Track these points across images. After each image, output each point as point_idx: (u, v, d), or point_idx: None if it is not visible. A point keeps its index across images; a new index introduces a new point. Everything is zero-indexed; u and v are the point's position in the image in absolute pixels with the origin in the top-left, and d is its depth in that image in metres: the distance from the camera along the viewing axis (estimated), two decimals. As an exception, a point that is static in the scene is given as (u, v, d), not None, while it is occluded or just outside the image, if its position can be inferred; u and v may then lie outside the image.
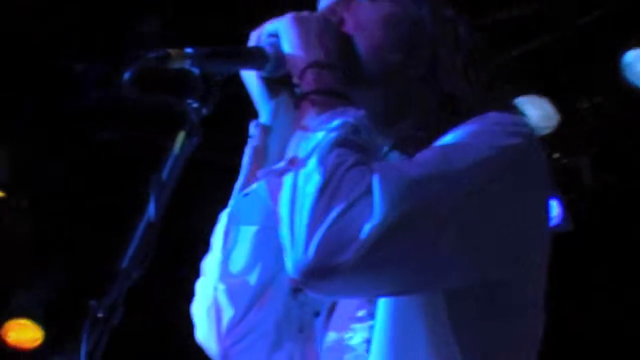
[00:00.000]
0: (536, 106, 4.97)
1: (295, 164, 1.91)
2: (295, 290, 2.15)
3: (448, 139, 1.96)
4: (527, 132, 2.03)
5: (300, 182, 1.87)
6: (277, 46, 2.11)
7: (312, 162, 1.87)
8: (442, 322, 1.97)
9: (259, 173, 2.06)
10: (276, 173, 1.95)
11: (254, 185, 2.18)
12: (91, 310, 1.89)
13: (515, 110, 2.16)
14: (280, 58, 2.10)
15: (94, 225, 5.62)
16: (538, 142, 2.04)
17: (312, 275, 1.85)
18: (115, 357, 1.99)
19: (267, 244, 2.14)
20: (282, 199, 1.90)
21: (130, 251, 1.95)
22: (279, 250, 2.04)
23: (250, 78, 2.24)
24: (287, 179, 1.90)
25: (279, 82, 2.17)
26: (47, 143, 5.43)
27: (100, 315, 1.90)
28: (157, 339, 6.04)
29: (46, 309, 5.96)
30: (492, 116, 2.03)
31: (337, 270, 1.81)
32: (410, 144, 2.07)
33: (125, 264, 1.94)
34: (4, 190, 5.60)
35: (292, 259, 1.85)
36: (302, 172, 1.88)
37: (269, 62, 2.11)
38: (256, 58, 2.11)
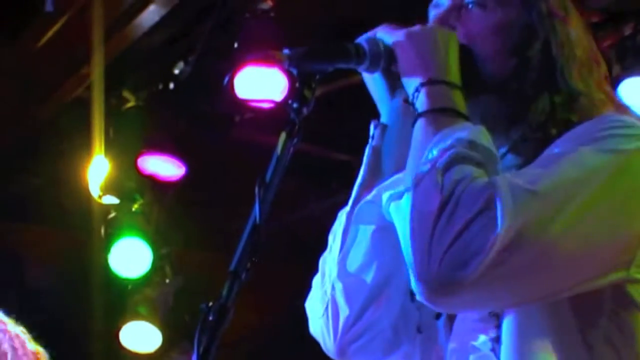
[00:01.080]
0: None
1: (414, 182, 1.93)
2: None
3: (565, 144, 1.96)
4: None
5: (420, 201, 1.90)
6: (373, 42, 2.11)
7: (431, 181, 1.90)
8: (568, 322, 1.97)
9: (385, 195, 2.05)
10: (397, 195, 1.98)
11: (374, 191, 2.19)
12: (202, 313, 1.92)
13: (629, 111, 2.12)
14: (377, 53, 2.11)
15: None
16: None
17: (437, 292, 1.88)
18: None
19: (384, 243, 2.16)
20: (403, 220, 1.93)
21: (238, 253, 1.98)
22: (395, 250, 2.07)
23: (373, 76, 2.24)
24: (407, 200, 1.93)
25: (399, 80, 2.16)
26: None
27: (211, 318, 1.92)
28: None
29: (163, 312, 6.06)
30: (609, 119, 2.02)
31: (461, 285, 1.84)
32: (528, 146, 2.07)
33: (233, 266, 1.97)
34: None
35: (416, 277, 1.89)
36: (422, 191, 1.90)
37: (367, 58, 2.11)
38: (353, 55, 2.11)
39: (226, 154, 5.24)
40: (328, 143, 5.40)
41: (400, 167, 2.10)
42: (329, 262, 2.22)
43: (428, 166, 1.92)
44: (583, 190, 1.89)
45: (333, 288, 2.18)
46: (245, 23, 4.93)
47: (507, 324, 1.98)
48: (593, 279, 1.93)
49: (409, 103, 2.06)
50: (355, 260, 2.18)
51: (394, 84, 2.22)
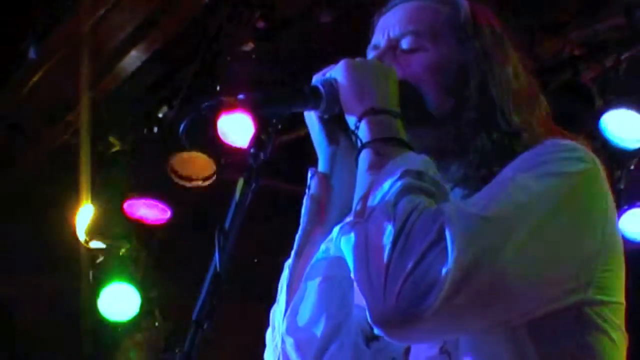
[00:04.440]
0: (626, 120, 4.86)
1: (364, 215, 1.92)
2: (369, 339, 2.14)
3: (511, 171, 1.95)
4: (589, 157, 2.00)
5: (372, 234, 1.88)
6: (329, 84, 2.11)
7: (382, 213, 1.88)
8: (527, 352, 1.94)
9: (337, 228, 2.01)
10: (348, 227, 1.95)
11: (323, 246, 2.17)
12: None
13: (572, 137, 2.12)
14: (334, 95, 2.10)
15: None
16: (600, 165, 2.01)
17: (394, 324, 1.85)
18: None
19: (331, 294, 2.15)
20: (356, 252, 1.90)
21: (200, 302, 1.97)
22: (342, 300, 2.09)
23: (312, 122, 2.24)
24: (359, 231, 1.91)
25: (338, 125, 2.16)
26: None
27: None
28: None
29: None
30: (553, 143, 2.02)
31: (419, 317, 1.81)
32: (473, 180, 2.06)
33: (195, 315, 1.96)
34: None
35: (373, 310, 1.86)
36: (374, 224, 1.88)
37: (323, 100, 2.11)
38: (309, 98, 2.10)
39: (212, 196, 5.24)
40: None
41: (344, 215, 2.08)
42: (277, 315, 2.20)
43: (378, 198, 1.90)
44: (532, 215, 1.87)
45: (283, 342, 2.16)
46: (228, 65, 4.95)
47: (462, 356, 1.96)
48: (549, 303, 1.91)
49: (352, 134, 2.04)
50: (304, 314, 2.15)
51: (332, 131, 2.21)
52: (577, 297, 1.93)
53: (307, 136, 2.28)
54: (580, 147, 2.03)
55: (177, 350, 1.98)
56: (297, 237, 2.23)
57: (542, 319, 1.92)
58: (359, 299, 2.12)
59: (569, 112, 4.58)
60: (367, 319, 2.13)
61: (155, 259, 5.83)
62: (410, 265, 1.81)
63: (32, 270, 6.09)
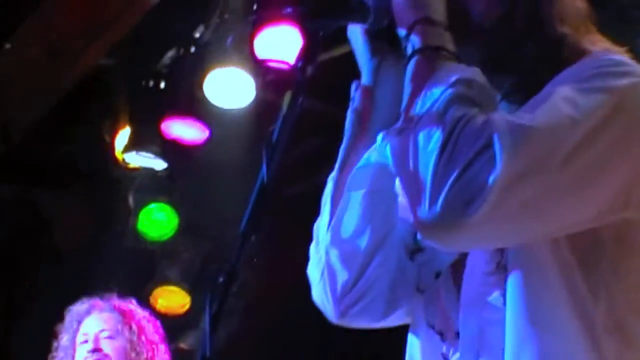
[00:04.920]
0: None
1: (413, 121, 1.92)
2: (413, 251, 2.17)
3: (558, 84, 1.93)
4: (636, 70, 1.97)
5: (421, 140, 1.88)
6: None
7: (432, 119, 1.88)
8: (571, 266, 1.95)
9: (381, 134, 2.03)
10: (395, 132, 1.95)
11: (365, 156, 2.18)
12: (213, 275, 1.93)
13: (620, 50, 2.09)
14: (382, 7, 2.08)
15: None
16: None
17: (439, 231, 1.87)
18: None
19: (375, 206, 2.15)
20: (402, 158, 1.91)
21: (247, 215, 1.99)
22: (386, 213, 2.11)
23: (356, 36, 2.22)
24: (406, 137, 1.91)
25: (383, 37, 2.15)
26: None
27: (221, 280, 1.94)
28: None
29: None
30: (600, 58, 2.00)
31: (464, 224, 1.83)
32: (519, 93, 2.05)
33: (243, 228, 1.98)
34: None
35: (418, 216, 1.87)
36: (421, 130, 1.89)
37: (370, 13, 2.10)
38: (357, 11, 2.09)
39: (251, 116, 5.23)
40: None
41: (387, 128, 2.08)
42: (321, 228, 2.21)
43: (428, 105, 1.90)
44: (579, 129, 1.86)
45: (327, 254, 2.17)
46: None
47: (512, 277, 1.97)
48: (594, 218, 1.91)
49: (404, 40, 2.03)
50: (348, 226, 2.17)
51: (377, 44, 2.20)
52: (623, 214, 1.93)
53: (342, 56, 2.26)
54: (627, 61, 2.01)
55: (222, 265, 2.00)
56: (340, 150, 2.23)
57: (584, 237, 1.93)
58: (402, 212, 2.14)
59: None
60: (410, 233, 2.16)
61: (193, 179, 5.86)
62: (456, 172, 1.82)
63: (71, 191, 6.14)
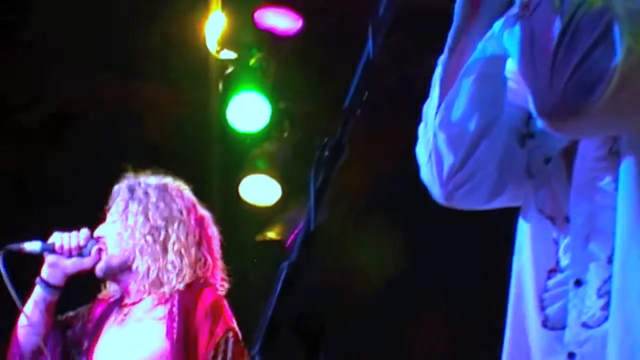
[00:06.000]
0: None
1: (530, 8, 1.91)
2: (524, 137, 2.18)
3: None
4: None
5: (538, 27, 1.89)
6: None
7: (549, 6, 1.88)
8: None
9: (497, 22, 2.04)
10: (512, 20, 1.96)
11: (481, 46, 2.16)
12: (317, 149, 1.94)
13: None
14: None
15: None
16: None
17: (559, 117, 1.89)
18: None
19: (485, 92, 2.15)
20: (521, 45, 1.92)
21: (352, 90, 1.99)
22: (495, 97, 2.12)
23: None
24: (524, 25, 1.92)
25: None
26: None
27: (326, 154, 1.95)
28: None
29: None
30: None
31: (583, 111, 1.84)
32: None
33: (347, 102, 1.98)
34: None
35: (538, 103, 1.89)
36: (540, 17, 1.89)
37: None
38: None
39: (343, 5, 5.18)
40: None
41: (500, 9, 2.07)
42: (430, 111, 2.21)
43: None
44: None
45: (435, 137, 2.18)
46: None
47: (625, 163, 1.96)
48: None
49: None
50: (457, 111, 2.16)
51: None
52: None
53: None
54: None
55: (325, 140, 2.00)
56: (450, 33, 2.21)
57: None
58: (514, 97, 2.14)
59: None
60: (521, 118, 2.15)
61: (286, 70, 5.84)
62: (576, 59, 1.83)
63: (161, 81, 6.18)
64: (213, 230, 3.87)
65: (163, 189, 3.82)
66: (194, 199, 3.88)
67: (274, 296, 1.85)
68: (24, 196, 6.23)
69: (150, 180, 3.86)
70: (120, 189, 3.85)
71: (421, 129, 2.24)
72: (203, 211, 3.88)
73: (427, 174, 2.22)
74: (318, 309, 1.85)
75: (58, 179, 5.89)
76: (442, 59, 2.21)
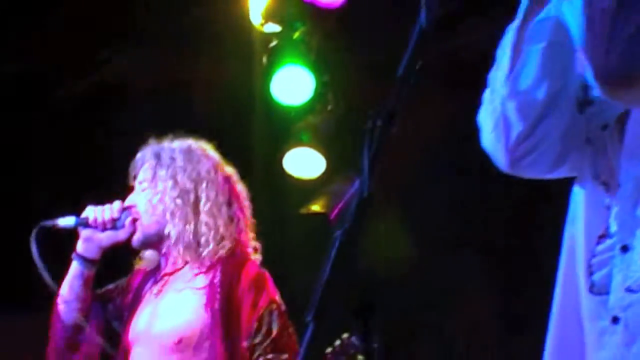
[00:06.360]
0: None
1: None
2: (583, 104, 2.19)
3: None
4: None
5: None
6: None
7: None
8: None
9: None
10: None
11: (545, 10, 2.17)
12: (370, 118, 1.95)
13: None
14: None
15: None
16: None
17: (615, 83, 1.92)
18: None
19: (554, 59, 2.16)
20: (579, 12, 1.95)
21: (406, 58, 1.99)
22: (564, 65, 2.13)
23: None
24: None
25: None
26: None
27: (379, 123, 1.95)
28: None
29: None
30: None
31: (635, 80, 1.89)
32: None
33: (401, 71, 1.98)
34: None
35: (596, 69, 1.92)
36: None
37: None
38: None
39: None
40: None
41: None
42: (498, 78, 2.21)
43: None
44: None
45: (503, 105, 2.19)
46: None
47: None
48: None
49: None
50: (526, 79, 2.17)
51: None
52: None
53: None
54: None
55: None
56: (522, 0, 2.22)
57: None
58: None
59: None
60: (581, 86, 2.17)
61: (330, 43, 5.84)
62: (630, 31, 1.85)
63: (207, 55, 6.19)
64: (241, 188, 3.83)
65: (188, 151, 3.79)
66: (218, 157, 3.84)
67: (328, 263, 1.86)
68: (74, 170, 6.29)
69: (174, 144, 3.83)
70: (144, 156, 3.83)
71: (487, 95, 2.25)
72: (228, 169, 3.84)
73: (492, 141, 2.23)
74: (372, 276, 1.86)
75: (107, 152, 5.93)
76: (513, 25, 2.22)
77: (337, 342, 4.76)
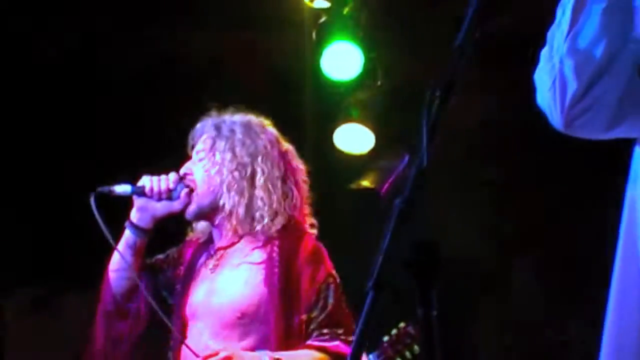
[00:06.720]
0: None
1: None
2: None
3: None
4: None
5: None
6: None
7: None
8: None
9: None
10: None
11: None
12: (428, 91, 1.96)
13: None
14: None
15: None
16: None
17: None
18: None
19: (613, 20, 2.16)
20: None
21: (464, 29, 2.00)
22: (623, 27, 2.14)
23: None
24: None
25: None
26: None
27: (437, 93, 1.96)
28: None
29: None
30: None
31: None
32: None
33: (459, 41, 1.99)
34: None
35: None
36: None
37: None
38: None
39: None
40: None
41: None
42: (557, 36, 2.22)
43: None
44: None
45: (562, 63, 2.19)
46: None
47: None
48: None
49: None
50: (584, 38, 2.18)
51: None
52: None
53: None
54: None
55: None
56: None
57: None
58: (638, 30, 2.16)
59: None
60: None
61: (378, 19, 5.83)
62: None
63: (255, 29, 6.20)
64: (297, 163, 3.81)
65: (247, 125, 3.77)
66: (276, 133, 3.85)
67: (388, 232, 1.87)
68: (125, 143, 6.33)
69: (235, 117, 3.82)
70: (204, 127, 3.82)
71: (544, 53, 2.26)
72: (286, 144, 3.83)
73: (548, 100, 2.23)
74: (431, 245, 1.87)
75: (156, 126, 5.97)
76: None
77: (394, 331, 4.77)
